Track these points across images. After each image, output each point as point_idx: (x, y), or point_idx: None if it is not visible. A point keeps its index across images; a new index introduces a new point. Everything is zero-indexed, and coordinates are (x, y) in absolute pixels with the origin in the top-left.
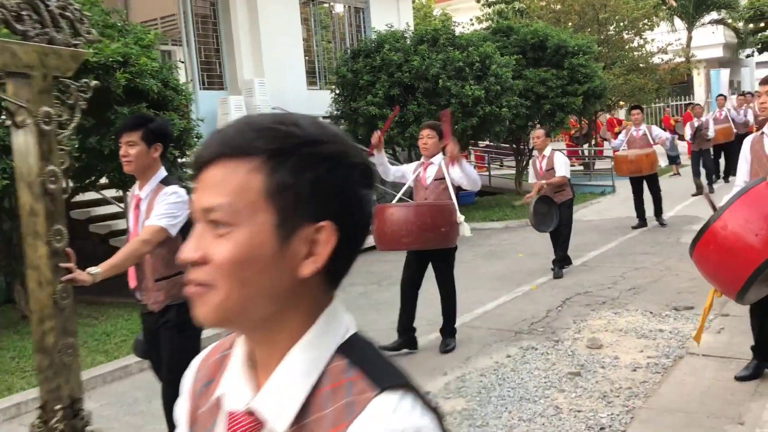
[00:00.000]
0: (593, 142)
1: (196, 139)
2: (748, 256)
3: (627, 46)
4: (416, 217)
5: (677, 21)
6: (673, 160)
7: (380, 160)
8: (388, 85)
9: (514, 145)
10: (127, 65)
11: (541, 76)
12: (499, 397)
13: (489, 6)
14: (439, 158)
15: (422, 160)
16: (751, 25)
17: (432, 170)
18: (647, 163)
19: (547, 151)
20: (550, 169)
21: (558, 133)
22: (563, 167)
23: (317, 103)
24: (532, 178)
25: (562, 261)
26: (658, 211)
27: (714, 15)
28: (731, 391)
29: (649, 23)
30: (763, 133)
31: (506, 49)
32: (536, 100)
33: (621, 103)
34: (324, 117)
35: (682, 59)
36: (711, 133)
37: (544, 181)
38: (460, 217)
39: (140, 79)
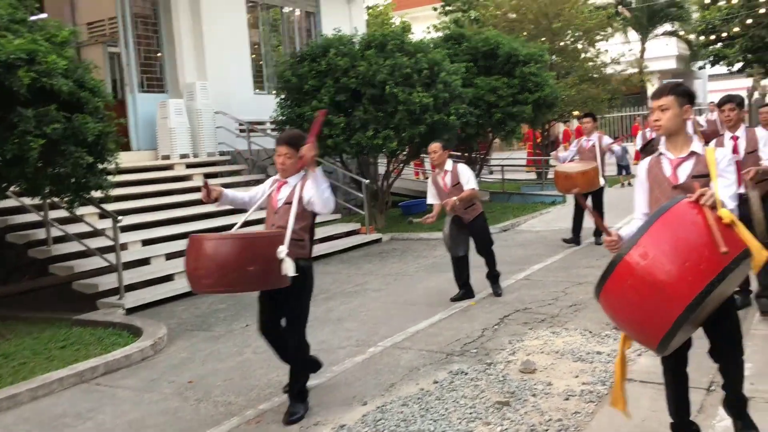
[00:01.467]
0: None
1: (115, 144)
2: (677, 289)
3: (581, 56)
4: (215, 253)
5: (632, 32)
6: (624, 169)
7: (226, 201)
8: (334, 90)
9: (466, 154)
10: (33, 63)
11: (492, 84)
12: (418, 431)
13: (446, 15)
14: (295, 179)
15: (277, 176)
16: (702, 38)
17: (285, 191)
18: (583, 180)
19: (448, 166)
20: (457, 184)
21: (510, 143)
22: (472, 179)
23: (264, 108)
24: (432, 199)
25: (495, 277)
26: (598, 230)
27: (667, 27)
28: (665, 423)
29: (604, 34)
30: (660, 154)
31: (457, 57)
32: (487, 109)
33: (575, 113)
34: (270, 122)
35: (636, 70)
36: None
37: (455, 198)
38: (282, 252)
39: (48, 78)
